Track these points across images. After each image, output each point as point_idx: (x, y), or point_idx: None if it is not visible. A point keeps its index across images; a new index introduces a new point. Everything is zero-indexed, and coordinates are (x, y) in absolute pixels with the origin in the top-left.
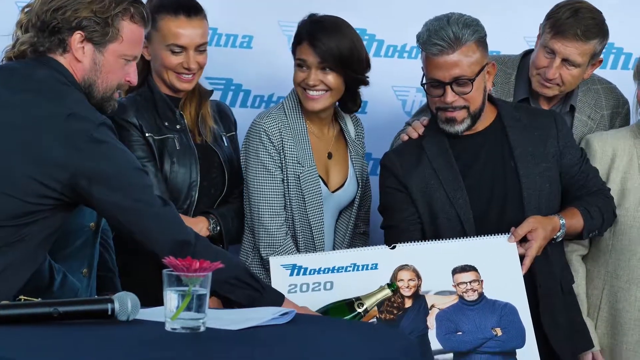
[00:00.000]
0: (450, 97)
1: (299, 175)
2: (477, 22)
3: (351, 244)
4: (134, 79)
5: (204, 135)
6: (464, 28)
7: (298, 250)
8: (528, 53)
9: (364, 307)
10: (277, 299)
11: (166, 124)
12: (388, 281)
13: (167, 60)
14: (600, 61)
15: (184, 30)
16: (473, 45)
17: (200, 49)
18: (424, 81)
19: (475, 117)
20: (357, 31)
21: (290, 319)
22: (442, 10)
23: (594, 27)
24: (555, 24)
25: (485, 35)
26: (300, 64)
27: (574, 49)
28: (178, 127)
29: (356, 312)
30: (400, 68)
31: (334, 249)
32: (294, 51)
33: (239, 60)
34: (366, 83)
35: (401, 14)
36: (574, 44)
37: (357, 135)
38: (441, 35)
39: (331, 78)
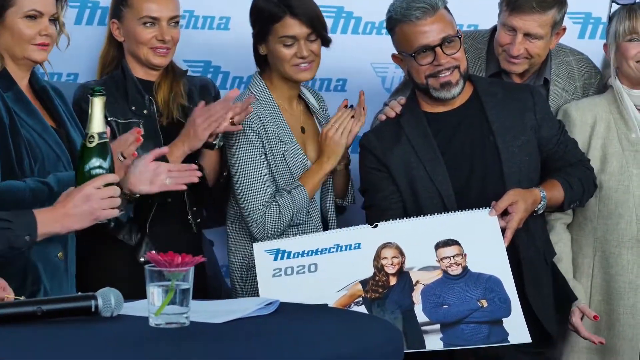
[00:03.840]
0: (443, 57)
1: (283, 152)
2: None
3: (338, 213)
4: None
5: (174, 114)
6: None
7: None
8: (496, 28)
9: None
10: (29, 220)
11: (133, 108)
12: (372, 260)
13: (142, 34)
14: (564, 29)
15: (155, 3)
16: (444, 10)
17: (173, 22)
18: (411, 53)
19: (465, 78)
20: (335, 8)
21: (274, 309)
22: None
23: None
24: (511, 1)
25: (447, 2)
26: (286, 42)
27: (533, 22)
28: (145, 112)
29: None
30: (379, 45)
31: (324, 220)
32: (267, 31)
33: (217, 42)
34: (329, 43)
35: None
36: (532, 17)
37: (321, 107)
38: (421, 0)
39: (316, 45)
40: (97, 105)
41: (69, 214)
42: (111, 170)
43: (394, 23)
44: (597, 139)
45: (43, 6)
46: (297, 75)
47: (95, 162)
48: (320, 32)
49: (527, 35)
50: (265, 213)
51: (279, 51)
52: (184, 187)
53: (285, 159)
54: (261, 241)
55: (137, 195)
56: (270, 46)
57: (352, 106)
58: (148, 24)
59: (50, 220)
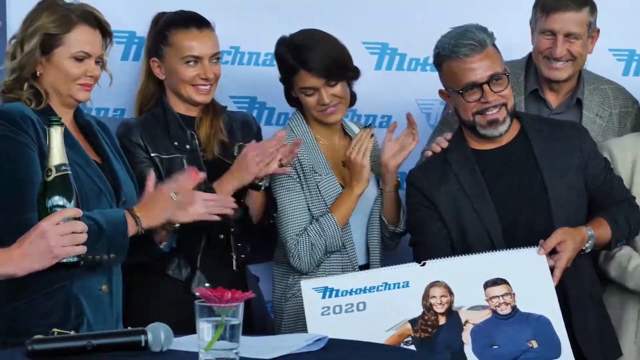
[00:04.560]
0: (490, 95)
1: (317, 183)
2: (487, 28)
3: (387, 247)
4: None
5: (215, 150)
6: (482, 32)
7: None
8: (529, 59)
9: None
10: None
11: (176, 143)
12: (421, 299)
13: (184, 73)
14: (598, 31)
15: (197, 41)
16: (493, 47)
17: (214, 59)
18: (458, 90)
19: (512, 116)
20: (380, 45)
21: (323, 346)
22: (463, 22)
23: None
24: (546, 5)
25: (495, 39)
26: (306, 92)
27: (571, 20)
28: (188, 147)
29: None
30: (424, 81)
31: (367, 255)
32: (289, 81)
33: (263, 78)
34: (358, 75)
35: (422, 27)
36: (569, 15)
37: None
38: (469, 37)
39: (339, 88)
40: (55, 136)
41: (25, 254)
42: (75, 204)
43: (442, 59)
44: None
45: (91, 48)
46: (326, 119)
47: (56, 197)
48: (338, 77)
49: (566, 35)
50: (297, 242)
51: (303, 100)
52: (217, 218)
53: (319, 190)
54: (305, 275)
55: (177, 225)
56: (296, 93)
57: (370, 125)
58: (190, 63)
59: (2, 261)
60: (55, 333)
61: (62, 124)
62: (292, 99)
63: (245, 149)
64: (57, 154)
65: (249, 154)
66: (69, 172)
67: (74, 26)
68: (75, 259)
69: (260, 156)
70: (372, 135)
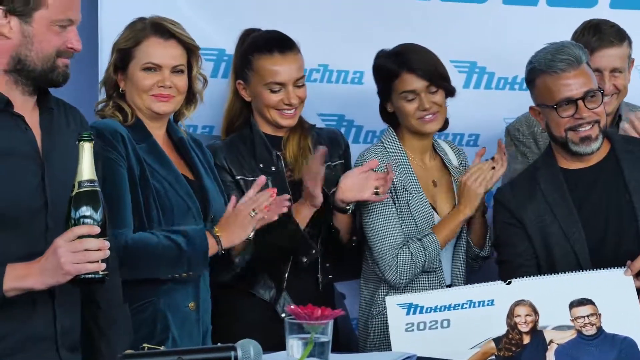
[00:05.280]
0: (585, 111)
1: (408, 201)
2: (582, 46)
3: (471, 269)
4: (76, 44)
5: (301, 170)
6: (578, 49)
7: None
8: None
9: None
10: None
11: (261, 165)
12: (506, 318)
13: (268, 98)
14: (633, 61)
15: (280, 67)
16: (587, 64)
17: (299, 83)
18: (552, 105)
19: (604, 134)
20: (468, 64)
21: None
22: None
23: (619, 30)
24: (590, 43)
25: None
26: (407, 97)
27: (615, 56)
28: (273, 168)
29: None
30: (512, 100)
31: (452, 275)
32: (389, 88)
33: (351, 96)
34: (454, 92)
35: (511, 46)
36: (613, 50)
37: (461, 163)
38: (566, 52)
39: (439, 96)
40: (86, 151)
41: (42, 269)
42: (102, 220)
43: (536, 74)
44: None
45: (161, 59)
46: (424, 127)
47: (82, 211)
48: (440, 84)
49: (612, 71)
50: (397, 255)
51: (402, 106)
52: (276, 217)
53: (409, 207)
54: (394, 289)
55: (251, 236)
56: (394, 103)
57: (492, 159)
58: (274, 88)
59: (21, 275)
60: (146, 348)
61: (91, 140)
62: (386, 115)
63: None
64: (84, 170)
65: (303, 178)
66: (96, 188)
67: (143, 39)
68: (97, 276)
69: (313, 180)
70: (493, 168)
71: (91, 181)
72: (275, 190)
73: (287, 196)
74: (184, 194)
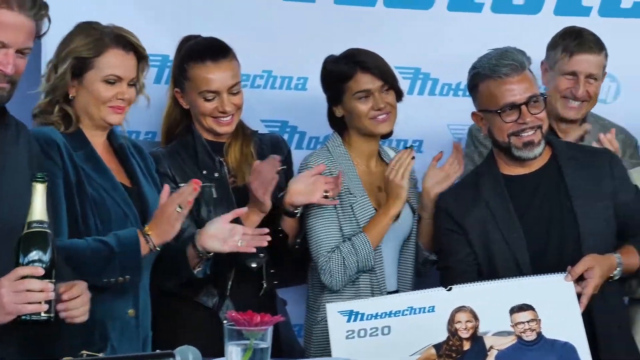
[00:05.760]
0: (528, 116)
1: (352, 204)
2: (525, 52)
3: (419, 274)
4: (5, 67)
5: (245, 176)
6: (521, 54)
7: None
8: None
9: None
10: None
11: (204, 172)
12: (446, 324)
13: (203, 107)
14: (605, 74)
15: (213, 75)
16: (529, 71)
17: (233, 90)
18: (496, 109)
19: (546, 140)
20: (412, 70)
21: None
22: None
23: (599, 40)
24: (569, 48)
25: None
26: (360, 96)
27: (592, 62)
28: (216, 174)
29: None
30: (456, 106)
31: (397, 280)
32: (341, 91)
33: (294, 102)
34: (402, 96)
35: (455, 52)
36: (593, 56)
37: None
38: (509, 57)
39: (391, 97)
40: (39, 192)
41: None
42: (49, 262)
43: (480, 79)
44: None
45: (122, 72)
46: (377, 128)
47: (29, 252)
48: (393, 84)
49: (587, 77)
50: (330, 259)
51: (355, 107)
52: (254, 250)
53: (353, 210)
54: (335, 294)
55: (211, 254)
56: (346, 105)
57: (411, 146)
58: (208, 96)
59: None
60: (85, 355)
61: (45, 181)
62: (334, 120)
63: (249, 181)
64: (35, 211)
65: (252, 184)
66: (46, 230)
67: (105, 49)
68: (40, 318)
69: (263, 183)
70: (413, 157)
71: (41, 222)
72: (200, 182)
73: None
74: (122, 201)
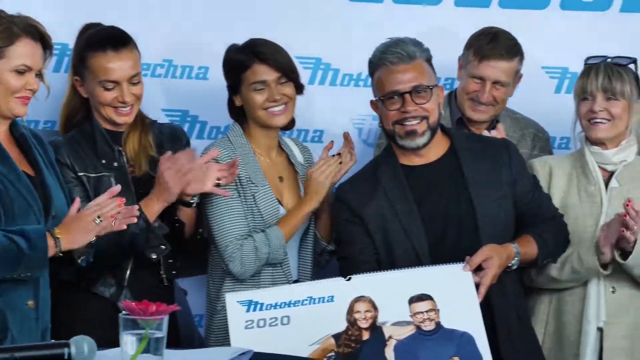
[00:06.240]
0: (410, 105)
1: (253, 194)
2: (423, 44)
3: (318, 264)
4: None
5: (143, 167)
6: (415, 46)
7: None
8: (451, 93)
9: None
10: None
11: (103, 161)
12: (345, 314)
13: (102, 96)
14: (520, 77)
15: (113, 64)
16: (424, 62)
17: (134, 80)
18: (381, 96)
19: (433, 131)
20: (313, 60)
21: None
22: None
23: (514, 46)
24: (480, 51)
25: (431, 57)
26: (257, 87)
27: (501, 69)
28: (115, 164)
29: None
30: (357, 96)
31: (298, 270)
32: (239, 80)
33: (195, 92)
34: (302, 90)
35: (356, 43)
36: (500, 64)
37: (306, 159)
38: (400, 47)
39: (288, 89)
40: None
41: None
42: None
43: (373, 68)
44: (558, 191)
45: (32, 62)
46: (271, 120)
47: None
48: (290, 76)
49: (494, 82)
50: (242, 246)
51: (251, 98)
52: (124, 227)
53: (255, 200)
54: (239, 282)
55: (93, 240)
56: (243, 96)
57: (339, 154)
58: (108, 86)
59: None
60: None
61: None
62: (234, 110)
63: (159, 167)
64: None
65: (164, 174)
66: None
67: (16, 39)
68: None
69: (177, 174)
70: (340, 163)
71: None
72: (124, 200)
73: (137, 207)
74: (25, 191)
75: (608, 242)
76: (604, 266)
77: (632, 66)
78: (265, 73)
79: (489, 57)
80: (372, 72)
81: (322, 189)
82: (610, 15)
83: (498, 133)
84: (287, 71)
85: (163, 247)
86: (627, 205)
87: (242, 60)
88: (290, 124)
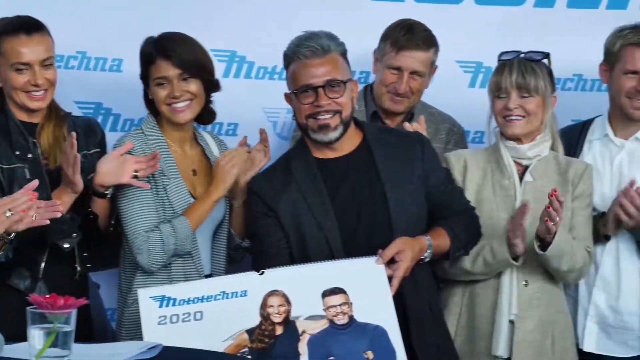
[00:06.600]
0: (323, 99)
1: (165, 186)
2: (338, 38)
3: (233, 260)
4: None
5: (57, 159)
6: (329, 39)
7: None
8: (366, 87)
9: None
10: None
11: (17, 153)
12: (259, 308)
13: (15, 80)
14: (436, 68)
15: (25, 47)
16: (339, 56)
17: (46, 63)
18: (294, 90)
19: (346, 125)
20: (228, 52)
21: (156, 354)
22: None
23: (429, 37)
24: (397, 42)
25: (347, 51)
26: (160, 82)
27: (418, 59)
28: (30, 156)
29: None
30: (271, 89)
31: (211, 265)
32: (146, 74)
33: (109, 84)
34: (219, 87)
35: (271, 36)
36: (417, 54)
37: (222, 152)
38: (314, 40)
39: (193, 86)
40: None
41: None
42: None
43: (287, 61)
44: (472, 184)
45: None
46: (174, 116)
47: None
48: (195, 73)
49: (411, 73)
50: (148, 238)
51: (155, 93)
52: (47, 222)
53: (167, 192)
54: (149, 275)
55: (12, 235)
56: (151, 89)
57: (249, 147)
58: (20, 69)
59: None
60: None
61: None
62: (149, 101)
63: (63, 162)
64: None
65: (64, 164)
66: None
67: None
68: None
69: (72, 166)
70: (249, 152)
71: None
72: (37, 194)
73: (59, 202)
74: None
75: (516, 234)
76: (516, 258)
77: (546, 61)
78: (166, 69)
79: (406, 48)
80: (286, 65)
81: (228, 178)
82: (525, 10)
83: (419, 125)
84: (191, 68)
85: (74, 235)
86: (552, 196)
87: (148, 54)
88: (208, 118)
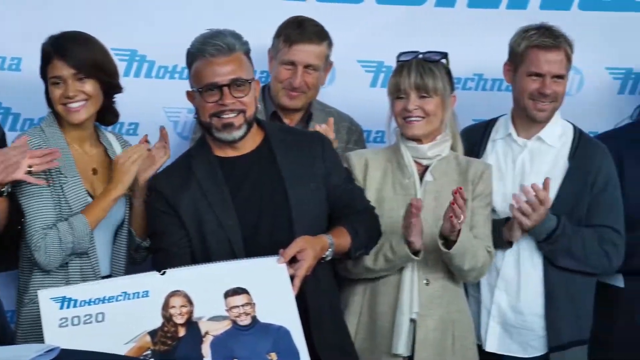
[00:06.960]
0: (228, 98)
1: (62, 185)
2: (242, 36)
3: (134, 261)
4: None
5: None
6: (234, 38)
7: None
8: (264, 87)
9: None
10: None
11: None
12: (161, 309)
13: None
14: (331, 64)
15: None
16: (244, 55)
17: None
18: (198, 88)
19: (250, 124)
20: (128, 52)
21: (54, 356)
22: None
23: (321, 31)
24: (289, 38)
25: (250, 50)
26: (55, 82)
27: (312, 53)
28: None
29: None
30: (172, 89)
31: (111, 265)
32: (44, 73)
33: (8, 83)
34: (121, 88)
35: (172, 35)
36: (310, 47)
37: None
38: (219, 39)
39: (88, 86)
40: None
41: None
42: None
43: (191, 58)
44: (374, 183)
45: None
46: (68, 116)
47: None
48: (90, 74)
49: (306, 67)
50: (46, 236)
51: (51, 92)
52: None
53: (64, 191)
54: (47, 274)
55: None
56: (48, 88)
57: (149, 146)
58: None
59: None
60: None
61: None
62: (50, 101)
63: None
64: None
65: None
66: None
67: None
68: None
69: (3, 165)
70: (149, 149)
71: None
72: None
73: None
74: None
75: (409, 231)
76: (416, 253)
77: (444, 60)
78: (61, 69)
79: (298, 42)
80: (190, 63)
81: (127, 176)
82: (426, 10)
83: (328, 127)
84: (87, 68)
85: None
86: (456, 193)
87: (46, 52)
88: (110, 119)
